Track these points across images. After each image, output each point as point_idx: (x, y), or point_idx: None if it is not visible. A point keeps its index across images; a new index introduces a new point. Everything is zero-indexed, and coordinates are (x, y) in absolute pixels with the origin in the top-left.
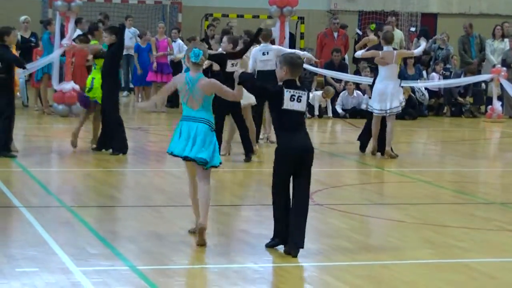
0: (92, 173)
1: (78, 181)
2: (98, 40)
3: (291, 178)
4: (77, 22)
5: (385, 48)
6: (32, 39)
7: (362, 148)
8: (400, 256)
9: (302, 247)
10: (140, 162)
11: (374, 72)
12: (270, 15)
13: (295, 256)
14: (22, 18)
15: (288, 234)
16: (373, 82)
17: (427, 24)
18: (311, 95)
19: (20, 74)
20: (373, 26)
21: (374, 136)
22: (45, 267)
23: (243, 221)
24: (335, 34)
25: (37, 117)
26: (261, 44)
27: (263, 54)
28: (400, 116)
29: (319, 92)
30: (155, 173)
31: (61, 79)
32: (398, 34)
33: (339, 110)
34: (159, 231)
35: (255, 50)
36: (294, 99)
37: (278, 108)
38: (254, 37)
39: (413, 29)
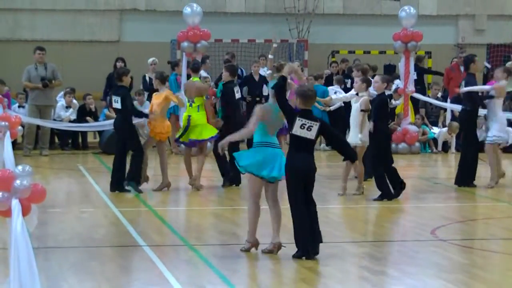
0: (216, 211)
1: (202, 220)
2: (199, 78)
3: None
4: (202, 62)
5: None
6: None
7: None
8: None
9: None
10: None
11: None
12: (395, 50)
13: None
14: (150, 60)
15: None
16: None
17: None
18: (437, 130)
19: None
20: None
21: (493, 166)
22: None
23: (361, 258)
24: (462, 68)
25: None
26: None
27: None
28: None
29: (445, 129)
30: None
31: None
32: None
33: None
34: (278, 269)
35: None
36: (304, 127)
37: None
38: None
39: None
